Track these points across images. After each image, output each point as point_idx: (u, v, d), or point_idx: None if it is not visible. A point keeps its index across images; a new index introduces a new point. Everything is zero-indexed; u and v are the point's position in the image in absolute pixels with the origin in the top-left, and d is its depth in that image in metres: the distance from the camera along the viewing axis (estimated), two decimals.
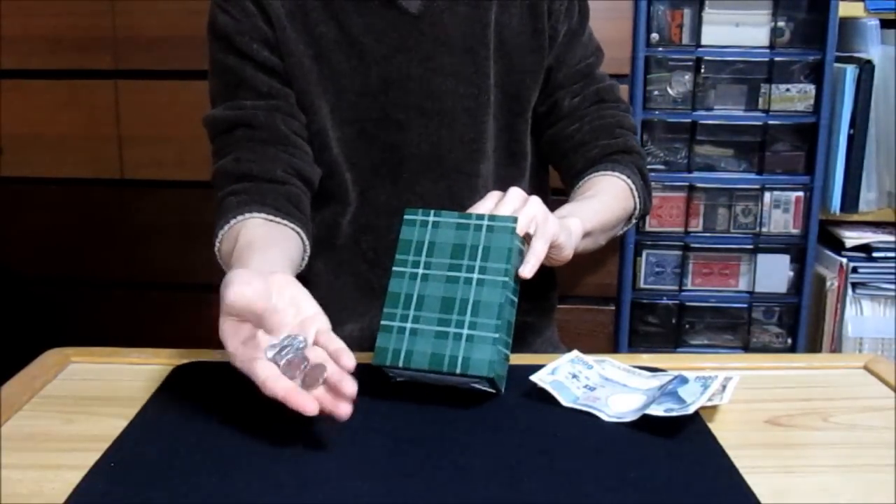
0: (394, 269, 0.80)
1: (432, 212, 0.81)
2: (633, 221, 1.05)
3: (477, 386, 0.79)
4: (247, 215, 0.91)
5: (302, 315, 0.74)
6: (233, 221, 0.91)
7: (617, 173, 1.02)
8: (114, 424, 0.75)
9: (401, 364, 0.77)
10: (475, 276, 0.78)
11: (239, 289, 0.70)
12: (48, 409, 0.80)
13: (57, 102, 1.66)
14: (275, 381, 0.69)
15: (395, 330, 0.78)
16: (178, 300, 1.71)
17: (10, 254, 1.73)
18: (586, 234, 0.91)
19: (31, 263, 1.74)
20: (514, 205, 0.82)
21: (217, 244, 0.92)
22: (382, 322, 0.79)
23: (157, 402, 0.80)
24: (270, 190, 0.94)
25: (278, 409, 0.78)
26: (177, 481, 0.65)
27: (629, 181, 1.02)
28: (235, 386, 0.83)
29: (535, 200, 0.83)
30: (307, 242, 0.95)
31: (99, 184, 1.69)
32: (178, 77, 1.64)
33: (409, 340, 0.78)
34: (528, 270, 0.80)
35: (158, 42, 1.61)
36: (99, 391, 0.83)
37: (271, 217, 0.92)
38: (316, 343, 0.73)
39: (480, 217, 0.80)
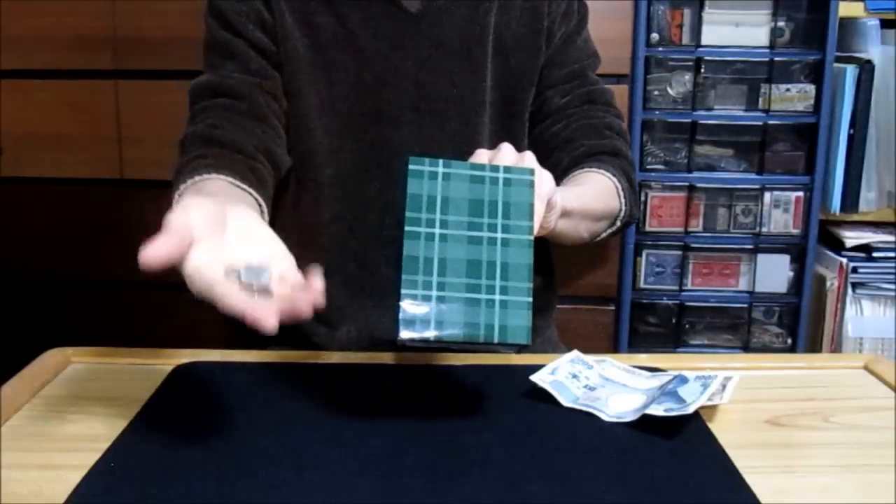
0: (407, 228, 0.72)
1: (440, 161, 0.74)
2: (618, 225, 1.02)
3: (499, 348, 0.75)
4: (213, 175, 0.88)
5: (262, 250, 0.68)
6: (197, 178, 0.87)
7: (602, 171, 1.00)
8: (114, 424, 0.75)
9: (432, 335, 0.69)
10: (499, 235, 0.73)
11: (186, 211, 0.65)
12: (48, 409, 0.79)
13: (57, 102, 1.65)
14: (232, 297, 0.62)
15: (419, 298, 0.70)
16: (177, 300, 1.70)
17: (10, 254, 1.73)
18: (565, 214, 0.87)
19: (31, 263, 1.73)
20: (511, 159, 0.78)
21: (177, 195, 0.87)
22: (403, 291, 0.70)
23: (157, 402, 0.80)
24: (239, 161, 0.93)
25: (278, 409, 0.78)
26: (177, 481, 0.65)
27: (615, 180, 1.00)
28: (235, 386, 0.83)
29: (530, 156, 0.79)
30: (266, 216, 0.92)
31: (99, 184, 1.69)
32: (178, 77, 1.64)
33: (436, 309, 0.70)
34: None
35: (158, 42, 1.61)
36: (99, 391, 0.83)
37: (236, 182, 0.89)
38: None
39: (495, 168, 0.74)
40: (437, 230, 0.72)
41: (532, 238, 0.73)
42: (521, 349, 0.74)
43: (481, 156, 0.78)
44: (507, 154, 0.78)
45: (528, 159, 0.78)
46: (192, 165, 0.90)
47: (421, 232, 0.72)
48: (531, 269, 0.72)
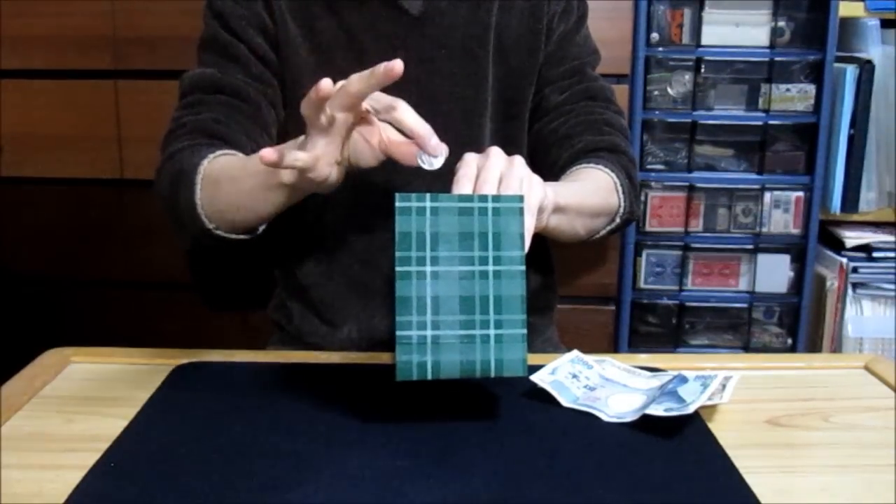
0: (398, 269, 0.71)
1: (427, 196, 0.72)
2: (618, 222, 1.01)
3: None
4: (228, 151, 0.91)
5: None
6: (219, 152, 0.90)
7: (601, 167, 0.99)
8: (114, 424, 0.75)
9: (429, 378, 0.71)
10: (490, 268, 0.73)
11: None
12: (48, 409, 0.80)
13: (57, 102, 1.65)
14: None
15: (414, 340, 0.71)
16: (178, 300, 1.71)
17: (10, 254, 1.73)
18: (559, 209, 0.86)
19: (31, 263, 1.74)
20: (500, 166, 0.77)
21: (202, 168, 0.88)
22: (399, 333, 0.70)
23: (157, 402, 0.80)
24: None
25: (278, 409, 0.78)
26: (177, 481, 0.65)
27: (613, 176, 0.99)
28: (235, 386, 0.83)
29: (519, 161, 0.78)
30: None
31: (99, 184, 1.69)
32: (177, 77, 1.64)
33: (432, 350, 0.71)
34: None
35: (158, 42, 1.61)
36: (99, 391, 0.83)
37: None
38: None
39: (483, 198, 0.73)
40: (427, 268, 0.72)
41: (524, 268, 0.73)
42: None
43: (468, 164, 0.78)
44: (496, 160, 0.77)
45: (518, 164, 0.78)
46: (200, 150, 0.91)
47: (412, 271, 0.71)
48: (524, 299, 0.73)
